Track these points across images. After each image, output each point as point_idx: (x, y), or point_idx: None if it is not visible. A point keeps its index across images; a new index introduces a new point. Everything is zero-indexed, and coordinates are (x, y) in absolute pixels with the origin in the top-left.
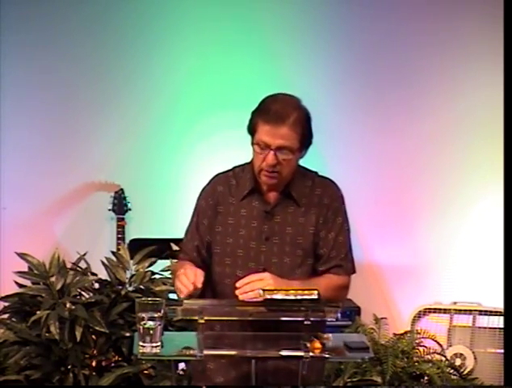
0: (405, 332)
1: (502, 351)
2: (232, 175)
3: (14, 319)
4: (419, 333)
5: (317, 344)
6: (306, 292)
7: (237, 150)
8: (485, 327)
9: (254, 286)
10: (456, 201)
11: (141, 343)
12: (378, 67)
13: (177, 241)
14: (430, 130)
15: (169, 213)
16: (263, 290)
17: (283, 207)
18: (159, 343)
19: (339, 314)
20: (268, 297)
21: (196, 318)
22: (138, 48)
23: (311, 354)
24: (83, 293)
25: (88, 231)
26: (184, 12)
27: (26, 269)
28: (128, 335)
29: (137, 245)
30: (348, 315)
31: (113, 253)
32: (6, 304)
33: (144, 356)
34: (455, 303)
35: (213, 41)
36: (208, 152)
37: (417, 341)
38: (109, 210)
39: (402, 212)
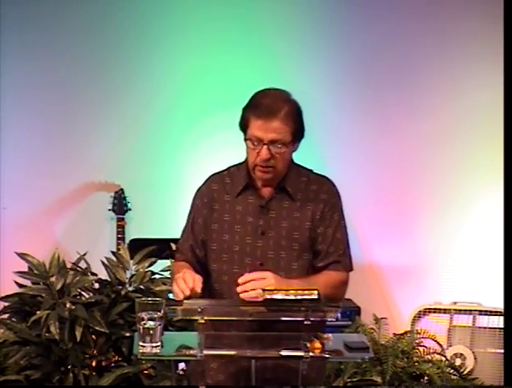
0: (405, 332)
1: (502, 351)
2: (227, 174)
3: (14, 319)
4: (419, 333)
5: (317, 344)
6: (306, 292)
7: (237, 150)
8: (485, 327)
9: (256, 285)
10: (456, 201)
11: (141, 343)
12: (378, 67)
13: (177, 241)
14: (430, 130)
15: (169, 213)
16: (263, 290)
17: (277, 201)
18: (159, 343)
19: (339, 314)
20: (268, 297)
21: (196, 318)
22: (138, 48)
23: (311, 354)
24: (83, 293)
25: (88, 231)
26: (184, 12)
27: (26, 269)
28: (128, 335)
29: (137, 245)
30: (348, 315)
31: (113, 253)
32: (6, 304)
33: (144, 356)
34: (455, 303)
35: (213, 41)
36: (209, 152)
37: (417, 341)
38: (109, 210)
39: (402, 213)
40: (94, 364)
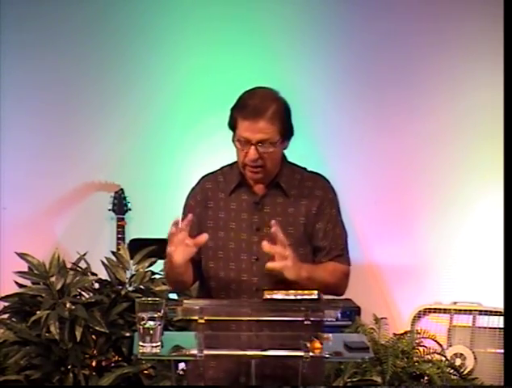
0: (405, 332)
1: (502, 351)
2: (220, 173)
3: (14, 319)
4: (419, 333)
5: (317, 344)
6: (306, 292)
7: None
8: (485, 327)
9: (275, 265)
10: (456, 201)
11: (141, 343)
12: (378, 67)
13: None
14: (430, 130)
15: (169, 213)
16: (263, 290)
17: (271, 197)
18: (159, 343)
19: (339, 314)
20: (268, 297)
21: (196, 318)
22: (138, 48)
23: (311, 354)
24: (83, 293)
25: (88, 231)
26: (184, 12)
27: (26, 269)
28: (128, 335)
29: (137, 245)
30: (348, 315)
31: (113, 253)
32: (6, 304)
33: (144, 356)
34: (455, 303)
35: (213, 41)
36: (209, 152)
37: (417, 341)
38: (109, 210)
39: (402, 212)
40: (94, 364)
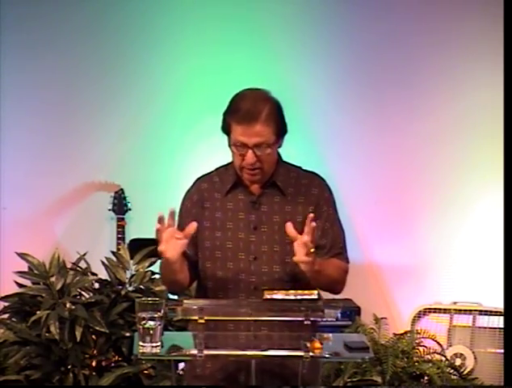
0: (405, 332)
1: (502, 351)
2: (215, 174)
3: (14, 319)
4: (419, 333)
5: (317, 344)
6: (306, 292)
7: None
8: (485, 327)
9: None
10: (456, 201)
11: (141, 343)
12: (378, 67)
13: None
14: (430, 130)
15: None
16: (263, 290)
17: (268, 196)
18: (159, 343)
19: (339, 314)
20: (268, 297)
21: (196, 317)
22: (138, 48)
23: (311, 354)
24: (83, 293)
25: (88, 231)
26: (184, 12)
27: (26, 269)
28: (128, 335)
29: (137, 245)
30: (348, 315)
31: (113, 253)
32: (6, 304)
33: (144, 356)
34: (455, 303)
35: (213, 41)
36: (208, 152)
37: (417, 341)
38: (109, 210)
39: (402, 212)
40: (94, 364)
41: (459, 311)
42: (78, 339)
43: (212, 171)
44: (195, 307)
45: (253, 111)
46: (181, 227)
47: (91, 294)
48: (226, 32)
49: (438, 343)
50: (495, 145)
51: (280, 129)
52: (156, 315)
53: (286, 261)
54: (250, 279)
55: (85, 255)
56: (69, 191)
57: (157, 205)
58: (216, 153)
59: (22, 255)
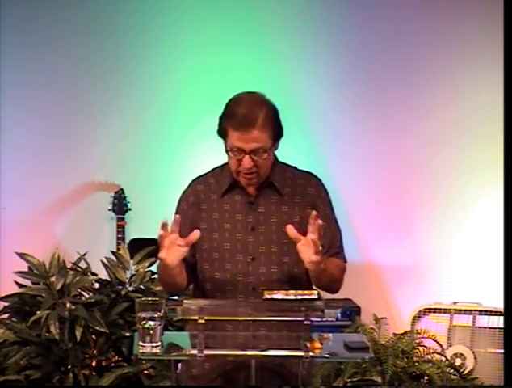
0: (405, 332)
1: (502, 351)
2: (211, 175)
3: (14, 319)
4: (419, 333)
5: (317, 344)
6: (306, 292)
7: None
8: (485, 327)
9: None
10: (456, 201)
11: (141, 343)
12: (378, 67)
13: None
14: (430, 130)
15: (169, 213)
16: (263, 290)
17: (265, 197)
18: (159, 343)
19: (339, 314)
20: (268, 297)
21: (196, 317)
22: (138, 48)
23: (311, 354)
24: (83, 293)
25: (88, 231)
26: (184, 12)
27: (26, 269)
28: (128, 335)
29: (137, 245)
30: (348, 315)
31: (113, 253)
32: (6, 304)
33: (144, 356)
34: (455, 303)
35: (213, 41)
36: (208, 152)
37: (417, 341)
38: (109, 210)
39: (402, 212)
40: (94, 364)
41: (459, 311)
42: (78, 339)
43: (208, 173)
44: (195, 307)
45: (250, 117)
46: (180, 226)
47: (91, 294)
48: (226, 32)
49: (438, 343)
50: (495, 145)
51: (276, 133)
52: (156, 315)
53: (284, 261)
54: (248, 280)
55: (85, 255)
56: (69, 191)
57: (157, 205)
58: (215, 153)
59: (22, 255)
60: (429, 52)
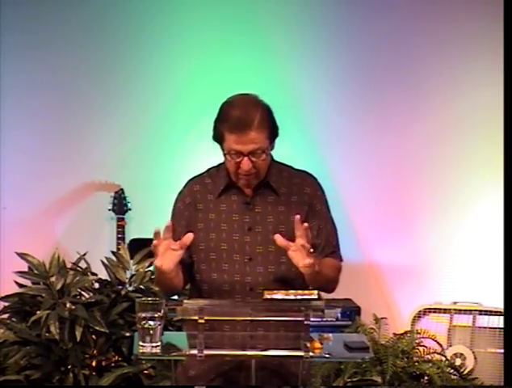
0: (405, 332)
1: (502, 351)
2: (207, 176)
3: (14, 319)
4: (419, 333)
5: (317, 344)
6: (306, 292)
7: None
8: (485, 327)
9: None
10: (456, 201)
11: (141, 343)
12: (378, 67)
13: None
14: (430, 130)
15: (169, 213)
16: (263, 290)
17: (262, 197)
18: (159, 343)
19: (339, 314)
20: (268, 297)
21: (196, 317)
22: (138, 49)
23: (311, 354)
24: (83, 293)
25: (88, 231)
26: (184, 12)
27: (26, 269)
28: (128, 335)
29: (137, 245)
30: (348, 315)
31: (113, 253)
32: (6, 304)
33: (144, 356)
34: (455, 303)
35: (214, 42)
36: (208, 152)
37: (417, 341)
38: (109, 210)
39: (402, 212)
40: (94, 364)
41: (459, 311)
42: (78, 339)
43: (203, 173)
44: (194, 307)
45: (246, 119)
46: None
47: (91, 294)
48: (226, 33)
49: (438, 343)
50: (495, 145)
51: (273, 133)
52: (156, 315)
53: (281, 261)
54: (246, 280)
55: (85, 255)
56: (69, 191)
57: (157, 205)
58: (215, 153)
59: (22, 255)
60: (429, 53)
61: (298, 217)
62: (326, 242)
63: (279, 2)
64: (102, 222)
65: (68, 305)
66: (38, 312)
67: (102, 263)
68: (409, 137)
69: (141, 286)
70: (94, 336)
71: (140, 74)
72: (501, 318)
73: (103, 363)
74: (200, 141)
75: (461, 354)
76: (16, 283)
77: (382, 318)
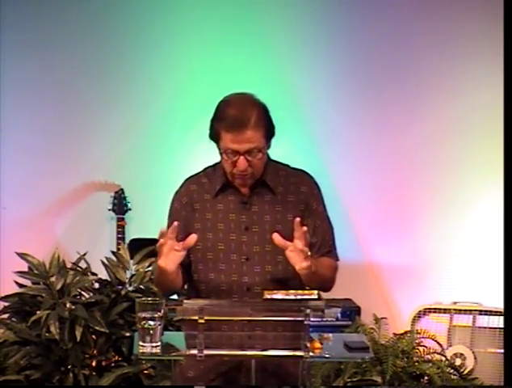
0: (405, 332)
1: (502, 351)
2: (203, 175)
3: (14, 319)
4: (419, 333)
5: (317, 344)
6: (306, 292)
7: None
8: (485, 327)
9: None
10: (456, 201)
11: (141, 343)
12: (378, 67)
13: None
14: (430, 130)
15: None
16: (263, 290)
17: (258, 196)
18: (159, 343)
19: (339, 314)
20: (268, 296)
21: (196, 317)
22: (138, 48)
23: (311, 354)
24: (83, 293)
25: (88, 231)
26: (184, 12)
27: (26, 269)
28: (128, 335)
29: (137, 245)
30: (348, 315)
31: (113, 253)
32: (6, 304)
33: (144, 356)
34: (455, 303)
35: (213, 42)
36: (208, 152)
37: (417, 341)
38: (109, 210)
39: (402, 212)
40: (94, 364)
41: (459, 311)
42: (78, 339)
43: (200, 172)
44: (195, 307)
45: (242, 118)
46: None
47: (91, 294)
48: (226, 33)
49: (438, 343)
50: (495, 145)
51: (269, 132)
52: (156, 315)
53: (278, 261)
54: (243, 280)
55: (85, 255)
56: (69, 191)
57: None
58: (215, 153)
59: (22, 255)
60: (429, 52)
61: (298, 219)
62: (322, 242)
63: (279, 1)
64: (102, 222)
65: (68, 305)
66: (38, 312)
67: (102, 263)
68: (408, 137)
69: (141, 286)
70: (94, 336)
71: (140, 74)
72: (501, 318)
73: (103, 363)
74: (200, 141)
75: (461, 354)
76: (16, 283)
77: (382, 318)
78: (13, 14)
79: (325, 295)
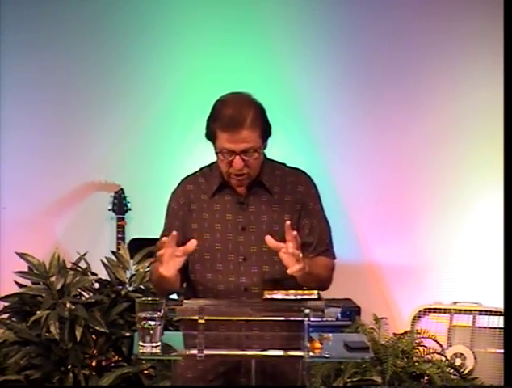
0: (405, 332)
1: (502, 351)
2: (200, 175)
3: (14, 319)
4: (419, 333)
5: (317, 344)
6: (306, 292)
7: None
8: (485, 327)
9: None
10: (456, 201)
11: (141, 343)
12: (378, 67)
13: None
14: (430, 130)
15: None
16: (263, 290)
17: (255, 196)
18: (159, 343)
19: (339, 314)
20: (268, 297)
21: (196, 317)
22: (138, 48)
23: (311, 354)
24: (83, 293)
25: (88, 231)
26: (185, 12)
27: (26, 269)
28: (128, 335)
29: (137, 245)
30: (348, 315)
31: (113, 253)
32: (6, 304)
33: (144, 356)
34: (455, 303)
35: (214, 41)
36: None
37: (417, 341)
38: (109, 210)
39: (402, 212)
40: (94, 364)
41: (459, 311)
42: (78, 339)
43: (196, 172)
44: (195, 307)
45: (238, 117)
46: (167, 228)
47: (91, 294)
48: (226, 33)
49: (438, 343)
50: (495, 145)
51: (265, 132)
52: (156, 315)
53: (275, 261)
54: (240, 280)
55: (85, 255)
56: (69, 191)
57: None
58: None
59: (22, 255)
60: (429, 52)
61: (288, 223)
62: (319, 241)
63: (279, 1)
64: (102, 222)
65: (68, 305)
66: (38, 312)
67: (102, 263)
68: (408, 137)
69: (141, 286)
70: (94, 336)
71: (140, 74)
72: (501, 318)
73: (103, 363)
74: (200, 141)
75: (461, 354)
76: (16, 283)
77: (382, 318)
78: (13, 14)
79: (325, 295)
